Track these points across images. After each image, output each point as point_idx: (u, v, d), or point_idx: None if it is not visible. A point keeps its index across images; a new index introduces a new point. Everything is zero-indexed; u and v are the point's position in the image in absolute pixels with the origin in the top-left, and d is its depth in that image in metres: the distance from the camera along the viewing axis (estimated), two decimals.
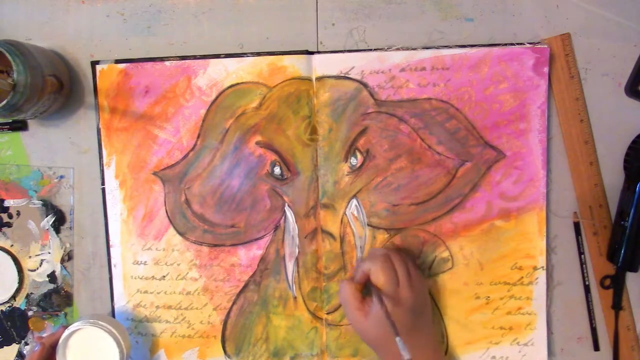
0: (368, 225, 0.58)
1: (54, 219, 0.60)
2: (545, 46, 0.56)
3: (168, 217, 0.59)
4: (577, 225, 0.58)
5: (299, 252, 0.58)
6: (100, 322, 0.54)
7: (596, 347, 0.59)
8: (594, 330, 0.59)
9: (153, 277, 0.59)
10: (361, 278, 0.52)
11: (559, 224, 0.58)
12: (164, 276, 0.59)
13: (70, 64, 0.58)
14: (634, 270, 0.56)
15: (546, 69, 0.56)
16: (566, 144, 0.57)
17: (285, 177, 0.57)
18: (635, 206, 0.55)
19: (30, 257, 0.60)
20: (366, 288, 0.52)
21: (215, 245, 0.59)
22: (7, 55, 0.49)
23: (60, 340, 0.54)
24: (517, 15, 0.57)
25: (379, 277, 0.50)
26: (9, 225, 0.60)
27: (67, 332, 0.54)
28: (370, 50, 0.57)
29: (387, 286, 0.50)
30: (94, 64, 0.58)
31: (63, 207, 0.60)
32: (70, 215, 0.60)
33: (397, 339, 0.45)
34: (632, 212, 0.55)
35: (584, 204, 0.58)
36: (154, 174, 0.58)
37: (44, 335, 0.59)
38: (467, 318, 0.58)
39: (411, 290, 0.50)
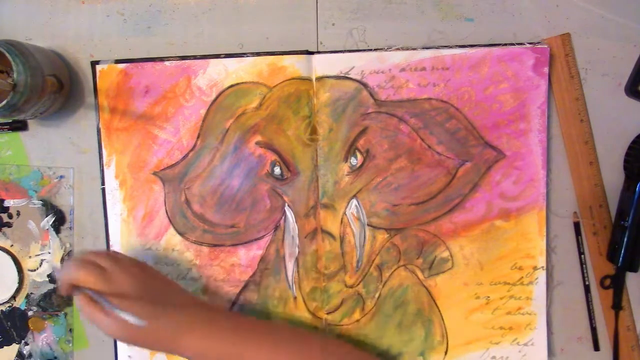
0: (368, 225, 0.58)
1: (54, 219, 0.60)
2: (545, 46, 0.56)
3: (168, 217, 0.59)
4: (577, 225, 0.58)
5: (299, 252, 0.58)
6: None
7: (596, 347, 0.59)
8: (594, 330, 0.59)
9: None
10: (68, 289, 0.48)
11: (559, 224, 0.58)
12: None
13: (70, 64, 0.58)
14: (634, 270, 0.56)
15: (546, 69, 0.56)
16: (566, 144, 0.57)
17: (285, 177, 0.57)
18: (635, 206, 0.55)
19: (30, 257, 0.60)
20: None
21: (215, 245, 0.59)
22: (7, 55, 0.49)
23: None
24: (517, 15, 0.57)
25: (80, 276, 0.47)
26: (9, 225, 0.60)
27: None
28: (370, 50, 0.57)
29: (96, 281, 0.47)
30: (94, 64, 0.58)
31: (63, 207, 0.60)
32: (70, 215, 0.60)
33: (117, 311, 0.44)
34: (632, 212, 0.55)
35: (584, 204, 0.58)
36: (154, 174, 0.58)
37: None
38: (467, 318, 0.58)
39: (123, 271, 0.48)
